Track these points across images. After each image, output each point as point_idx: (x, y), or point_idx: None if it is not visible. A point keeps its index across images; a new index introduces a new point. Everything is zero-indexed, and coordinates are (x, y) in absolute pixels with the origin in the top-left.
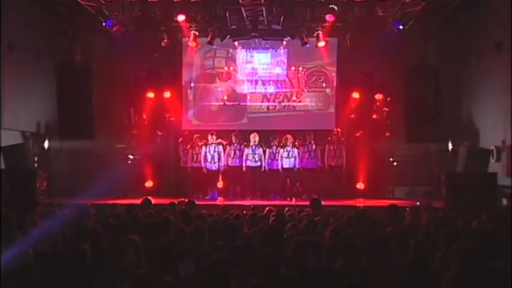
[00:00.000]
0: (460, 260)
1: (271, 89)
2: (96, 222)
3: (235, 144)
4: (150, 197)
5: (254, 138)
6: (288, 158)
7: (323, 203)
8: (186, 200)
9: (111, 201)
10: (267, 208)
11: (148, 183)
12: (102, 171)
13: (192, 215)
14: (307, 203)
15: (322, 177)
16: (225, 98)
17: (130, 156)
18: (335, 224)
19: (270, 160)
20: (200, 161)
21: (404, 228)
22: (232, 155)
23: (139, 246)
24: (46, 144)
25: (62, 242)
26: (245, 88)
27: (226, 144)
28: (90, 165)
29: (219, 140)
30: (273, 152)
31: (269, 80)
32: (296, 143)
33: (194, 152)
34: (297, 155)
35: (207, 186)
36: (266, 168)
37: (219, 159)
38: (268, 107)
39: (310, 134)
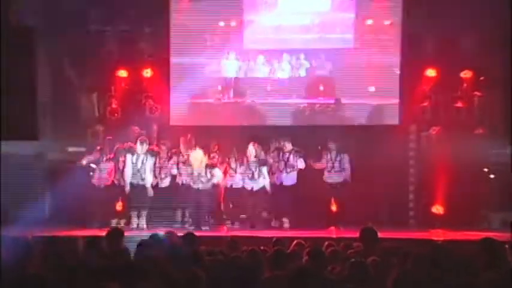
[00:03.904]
0: None
1: (321, 69)
2: (42, 264)
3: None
4: (121, 226)
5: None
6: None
7: (379, 234)
8: (175, 231)
9: (65, 233)
10: (296, 241)
11: (119, 206)
12: (50, 186)
13: (187, 253)
14: (356, 234)
15: (377, 196)
16: (220, 88)
17: (93, 165)
18: (399, 267)
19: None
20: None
21: (510, 274)
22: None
23: None
24: None
25: None
26: (259, 70)
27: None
28: (33, 178)
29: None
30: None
31: (317, 51)
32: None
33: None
34: (347, 163)
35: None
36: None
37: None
38: (314, 106)
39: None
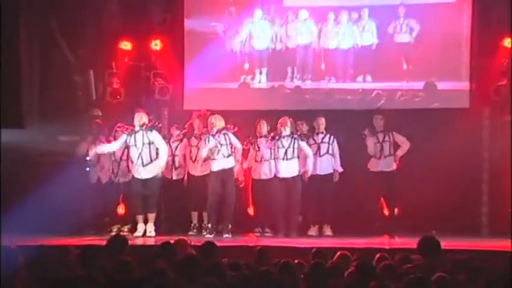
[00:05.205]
0: None
1: (403, 36)
2: (29, 278)
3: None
4: (124, 234)
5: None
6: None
7: (443, 244)
8: (189, 239)
9: (56, 241)
10: (339, 253)
11: (122, 209)
12: (38, 184)
13: (203, 266)
14: (414, 244)
15: (442, 197)
16: (247, 67)
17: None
18: (470, 285)
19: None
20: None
21: None
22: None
23: None
24: None
25: None
26: (305, 38)
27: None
28: (17, 173)
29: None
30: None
31: (396, 9)
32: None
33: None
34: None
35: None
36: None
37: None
38: (394, 94)
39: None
